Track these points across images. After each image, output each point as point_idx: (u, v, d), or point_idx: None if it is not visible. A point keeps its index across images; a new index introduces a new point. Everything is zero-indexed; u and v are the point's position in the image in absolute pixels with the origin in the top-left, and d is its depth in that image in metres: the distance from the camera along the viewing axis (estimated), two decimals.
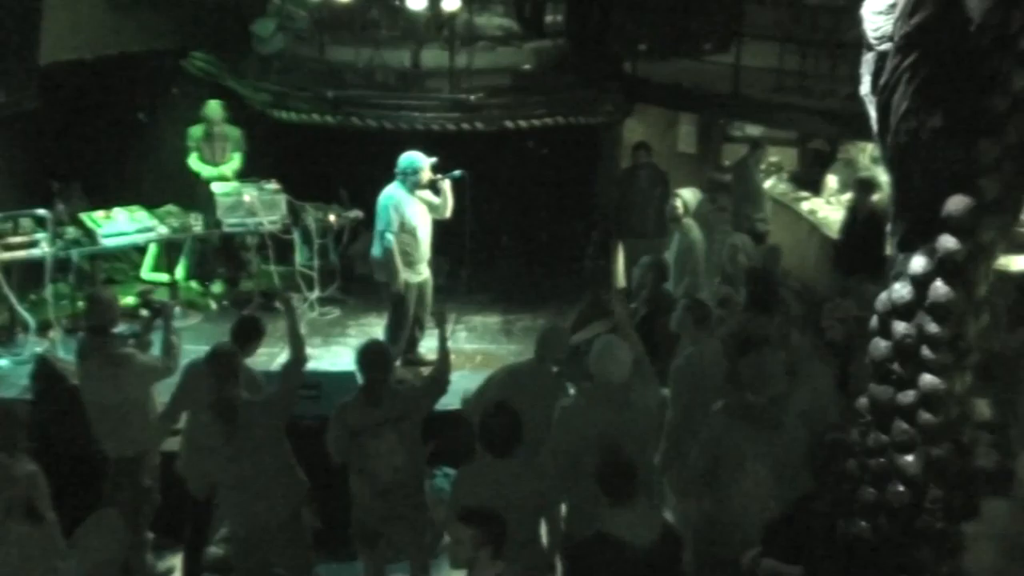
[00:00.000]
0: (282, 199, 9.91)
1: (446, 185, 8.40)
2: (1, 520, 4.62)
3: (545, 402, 5.89)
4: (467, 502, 5.01)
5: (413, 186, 8.29)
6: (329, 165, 10.50)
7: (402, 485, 5.82)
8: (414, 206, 8.30)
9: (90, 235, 9.26)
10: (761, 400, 5.50)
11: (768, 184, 11.32)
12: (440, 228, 8.67)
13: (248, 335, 6.45)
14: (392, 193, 8.30)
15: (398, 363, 8.54)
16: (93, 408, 6.58)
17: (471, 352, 9.39)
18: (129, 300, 8.90)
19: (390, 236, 8.24)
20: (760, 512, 5.40)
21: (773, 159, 12.17)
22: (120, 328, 6.86)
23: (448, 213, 8.53)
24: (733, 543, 5.37)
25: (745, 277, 7.74)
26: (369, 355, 5.90)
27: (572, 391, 8.02)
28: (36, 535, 4.81)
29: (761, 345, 6.06)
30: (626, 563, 4.68)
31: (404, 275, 8.42)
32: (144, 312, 7.13)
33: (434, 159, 8.36)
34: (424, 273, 8.59)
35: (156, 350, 6.84)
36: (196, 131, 10.25)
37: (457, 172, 8.42)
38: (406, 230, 8.31)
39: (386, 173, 8.36)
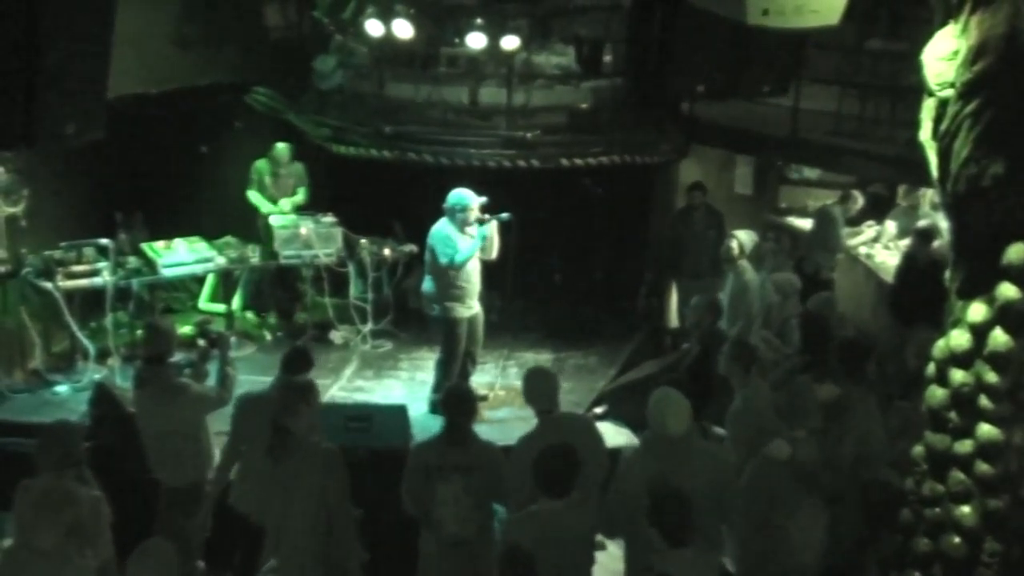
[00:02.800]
0: (338, 232, 10.03)
1: (492, 226, 8.42)
2: (61, 543, 4.64)
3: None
4: (516, 544, 4.99)
5: (461, 223, 8.32)
6: (385, 199, 10.59)
7: (467, 543, 5.74)
8: (463, 242, 8.35)
9: (150, 265, 9.42)
10: (799, 435, 5.50)
11: (857, 240, 11.01)
12: (491, 264, 8.69)
13: (298, 364, 6.52)
14: (441, 228, 8.36)
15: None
16: (148, 437, 6.66)
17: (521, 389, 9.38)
18: (186, 330, 9.01)
19: (460, 258, 8.26)
20: (813, 552, 5.38)
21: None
22: (177, 358, 6.95)
23: (494, 254, 8.54)
24: None
25: (799, 322, 7.68)
26: (452, 398, 5.92)
27: (623, 430, 8.07)
28: (95, 564, 4.84)
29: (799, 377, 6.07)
30: None
31: (456, 310, 8.46)
32: (201, 342, 7.22)
33: (483, 198, 8.40)
34: (475, 308, 8.62)
35: (212, 380, 6.93)
36: (262, 166, 10.41)
37: (505, 214, 8.44)
38: (456, 265, 8.37)
39: (441, 209, 8.43)
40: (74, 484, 5.06)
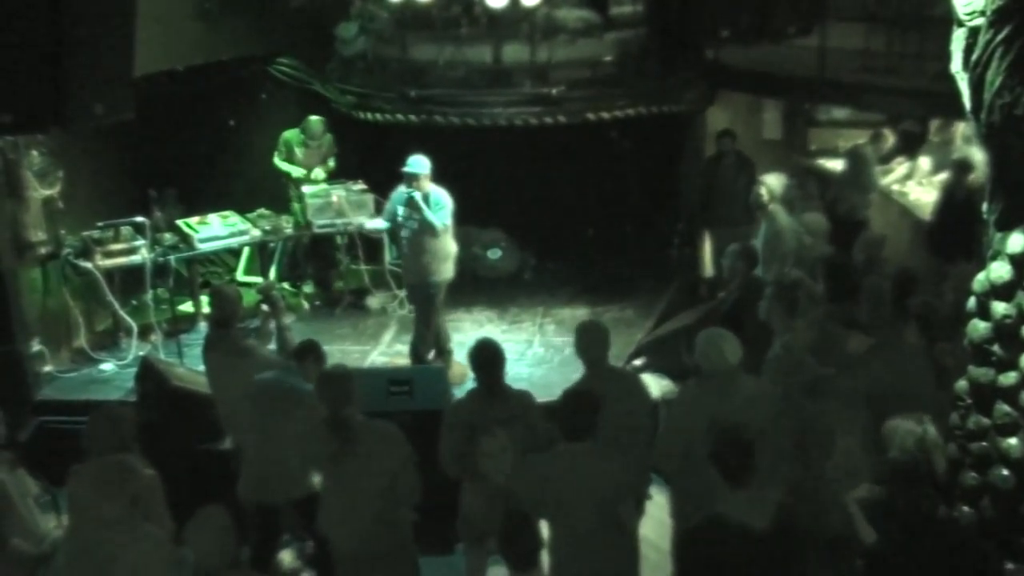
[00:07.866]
0: (369, 199, 10.07)
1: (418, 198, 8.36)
2: (129, 514, 4.71)
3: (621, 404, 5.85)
4: (533, 491, 5.02)
5: (408, 187, 8.38)
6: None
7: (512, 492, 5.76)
8: (395, 210, 8.51)
9: (186, 240, 9.54)
10: (827, 371, 5.51)
11: (890, 179, 10.95)
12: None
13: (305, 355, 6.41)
14: (398, 190, 8.49)
15: (431, 355, 8.76)
16: (219, 398, 6.86)
17: (560, 345, 9.39)
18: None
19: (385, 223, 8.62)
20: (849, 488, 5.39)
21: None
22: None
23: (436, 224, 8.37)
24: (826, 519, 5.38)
25: (823, 269, 7.60)
26: (481, 354, 5.95)
27: (663, 381, 8.06)
28: (162, 534, 4.91)
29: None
30: (742, 545, 4.57)
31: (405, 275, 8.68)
32: (264, 307, 7.42)
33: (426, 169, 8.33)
34: (420, 277, 8.62)
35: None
36: (292, 136, 10.45)
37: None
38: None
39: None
40: (131, 458, 5.15)
